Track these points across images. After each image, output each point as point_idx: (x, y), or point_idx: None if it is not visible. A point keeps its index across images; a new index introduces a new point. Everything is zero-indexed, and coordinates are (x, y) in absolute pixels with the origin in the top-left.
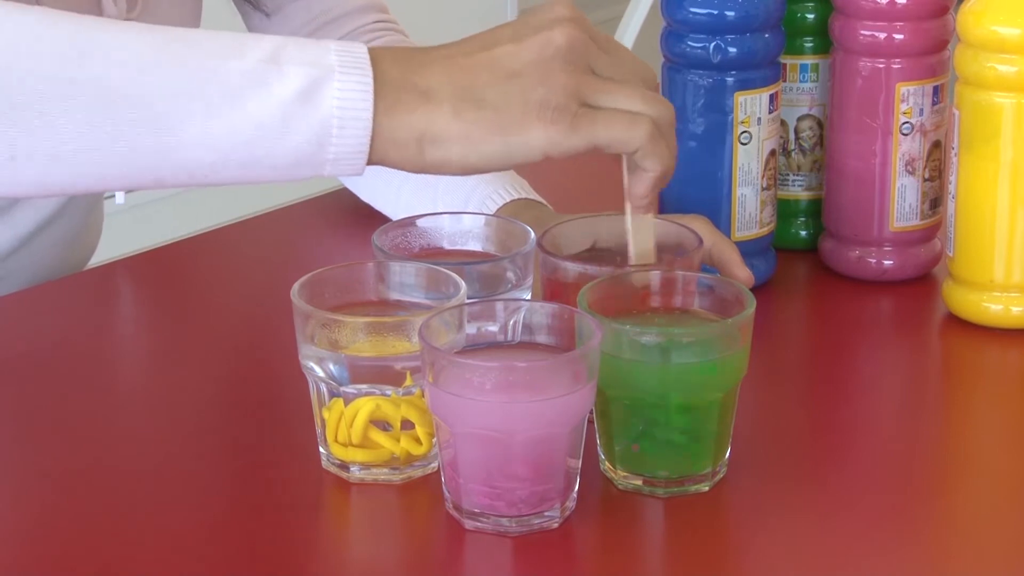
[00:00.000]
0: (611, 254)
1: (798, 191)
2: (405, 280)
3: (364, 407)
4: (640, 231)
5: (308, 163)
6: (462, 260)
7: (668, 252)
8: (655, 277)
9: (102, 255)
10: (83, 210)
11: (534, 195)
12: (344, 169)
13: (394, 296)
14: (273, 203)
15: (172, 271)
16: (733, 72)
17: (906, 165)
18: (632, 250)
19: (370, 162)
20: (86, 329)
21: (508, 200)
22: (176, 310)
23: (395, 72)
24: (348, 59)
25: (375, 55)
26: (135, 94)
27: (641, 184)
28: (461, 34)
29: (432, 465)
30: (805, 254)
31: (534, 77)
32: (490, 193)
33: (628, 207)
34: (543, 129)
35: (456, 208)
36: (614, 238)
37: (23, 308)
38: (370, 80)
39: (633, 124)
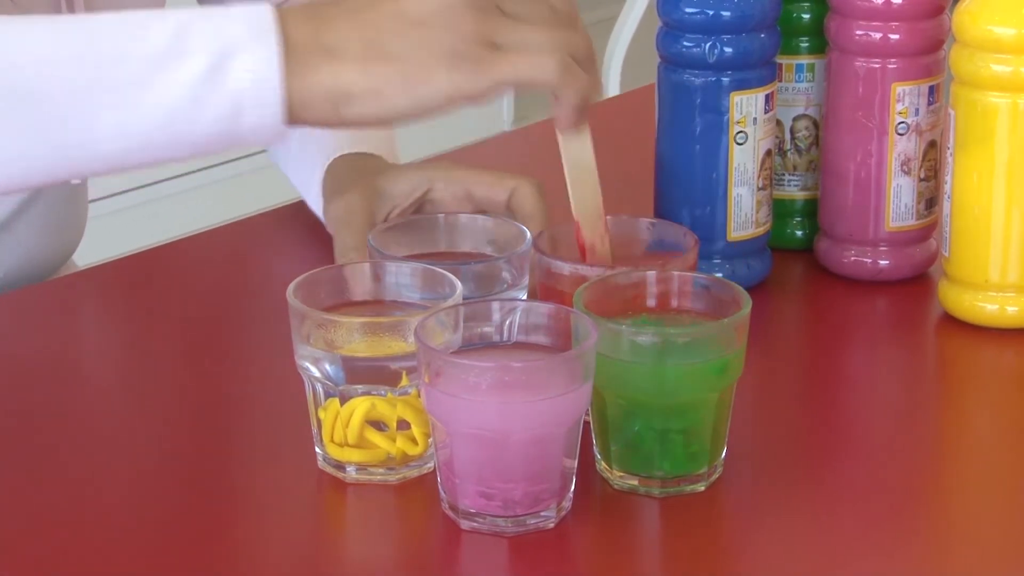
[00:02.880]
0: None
1: (794, 191)
2: (401, 280)
3: (360, 407)
4: (580, 185)
5: (227, 137)
6: (458, 260)
7: (621, 241)
8: (651, 277)
9: (96, 256)
10: (62, 193)
11: (375, 148)
12: (265, 138)
13: (390, 296)
14: (268, 203)
15: (166, 272)
16: (729, 72)
17: (902, 165)
18: (574, 206)
19: (290, 124)
20: (81, 332)
21: (334, 157)
22: (172, 311)
23: (302, 32)
24: (253, 26)
25: (282, 16)
26: (43, 92)
27: (561, 111)
28: None
29: (428, 465)
30: (801, 254)
31: (439, 25)
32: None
33: (560, 138)
34: (448, 76)
35: (304, 183)
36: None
37: (11, 311)
38: (276, 46)
39: (540, 60)
